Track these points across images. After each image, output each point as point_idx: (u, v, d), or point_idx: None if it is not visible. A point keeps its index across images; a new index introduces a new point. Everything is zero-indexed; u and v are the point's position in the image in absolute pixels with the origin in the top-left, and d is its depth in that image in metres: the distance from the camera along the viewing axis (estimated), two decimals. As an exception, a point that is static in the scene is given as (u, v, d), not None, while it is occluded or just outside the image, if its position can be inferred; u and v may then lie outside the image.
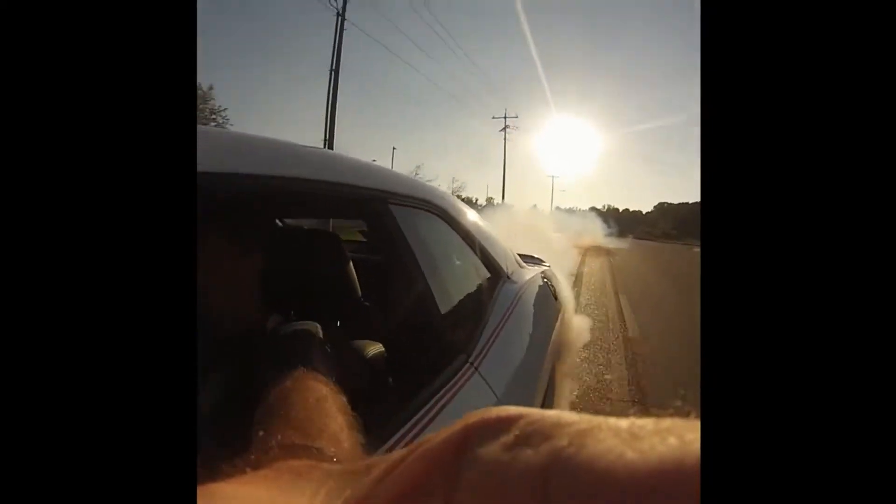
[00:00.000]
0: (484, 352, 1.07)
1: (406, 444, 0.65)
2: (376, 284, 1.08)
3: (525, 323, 1.48)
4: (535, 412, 0.14)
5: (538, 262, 2.43)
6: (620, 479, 0.11)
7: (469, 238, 1.42)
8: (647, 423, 0.12)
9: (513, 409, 0.14)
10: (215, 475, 0.25)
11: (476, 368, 0.99)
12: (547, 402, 1.52)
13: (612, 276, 9.13)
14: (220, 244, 0.76)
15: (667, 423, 0.12)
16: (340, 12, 15.20)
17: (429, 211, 1.21)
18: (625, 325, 4.81)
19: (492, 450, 0.13)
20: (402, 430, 0.67)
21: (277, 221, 1.10)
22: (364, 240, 1.87)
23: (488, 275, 1.47)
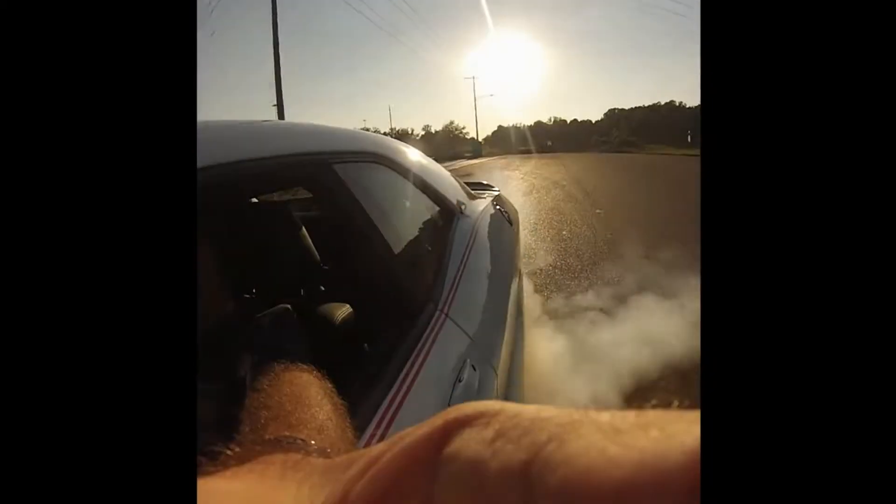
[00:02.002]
0: (451, 296, 1.09)
1: (395, 410, 0.67)
2: (333, 246, 1.07)
3: (485, 256, 1.50)
4: (514, 406, 0.14)
5: (487, 188, 2.44)
6: (602, 475, 0.11)
7: (417, 180, 1.39)
8: (628, 416, 0.12)
9: (492, 404, 0.14)
10: (200, 470, 0.25)
11: (447, 315, 1.00)
12: (519, 327, 1.58)
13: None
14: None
15: (649, 415, 0.12)
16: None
17: (372, 161, 1.18)
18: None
19: (471, 446, 0.13)
20: (390, 396, 0.69)
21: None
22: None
23: (442, 215, 1.47)
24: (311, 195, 1.53)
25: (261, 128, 0.86)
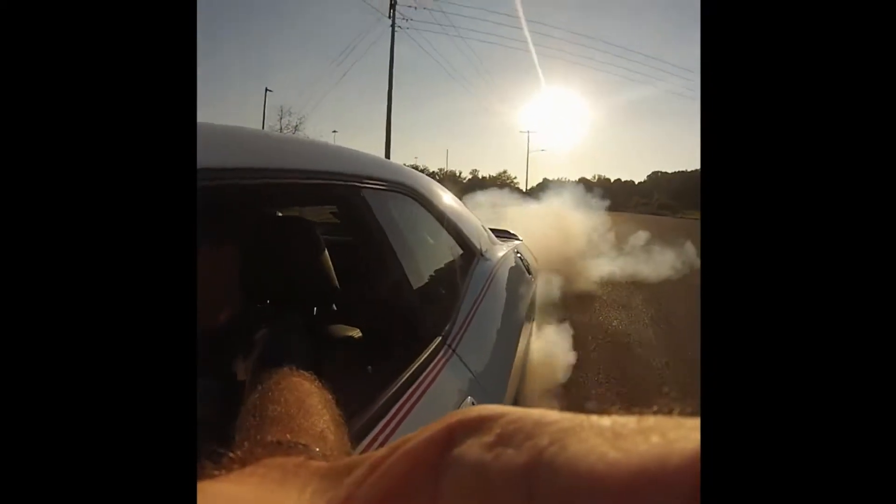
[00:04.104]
0: (460, 333, 1.08)
1: (390, 431, 0.67)
2: (351, 269, 1.08)
3: (499, 300, 1.50)
4: (516, 411, 0.14)
5: (512, 236, 2.45)
6: (603, 479, 0.11)
7: (442, 217, 1.41)
8: (629, 422, 0.12)
9: (494, 408, 0.14)
10: (202, 473, 0.25)
11: (454, 350, 1.00)
12: (524, 375, 1.55)
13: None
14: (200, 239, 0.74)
15: (650, 421, 0.12)
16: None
17: (401, 192, 1.21)
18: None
19: (473, 449, 0.13)
20: (387, 418, 0.68)
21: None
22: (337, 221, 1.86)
23: (462, 254, 1.48)
24: (338, 221, 1.57)
25: (298, 142, 0.90)
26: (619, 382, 2.82)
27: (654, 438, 0.11)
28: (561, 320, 3.10)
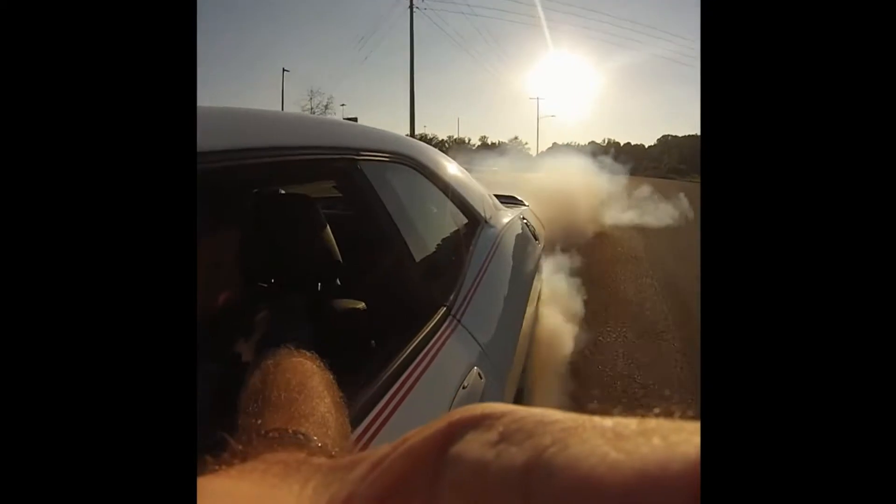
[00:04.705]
0: (465, 302, 1.08)
1: (395, 405, 0.67)
2: (354, 242, 1.08)
3: (505, 268, 1.49)
4: (519, 409, 0.14)
5: (518, 202, 2.43)
6: (603, 481, 0.11)
7: (444, 186, 1.40)
8: (631, 423, 0.12)
9: (497, 406, 0.14)
10: (203, 469, 0.25)
11: (458, 320, 1.00)
12: (531, 348, 1.56)
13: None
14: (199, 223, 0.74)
15: (652, 423, 0.12)
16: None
17: (400, 163, 1.19)
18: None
19: (475, 447, 0.13)
20: (391, 391, 0.69)
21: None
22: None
23: (466, 222, 1.47)
24: (340, 194, 1.56)
25: (292, 118, 0.88)
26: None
27: (656, 441, 0.11)
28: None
